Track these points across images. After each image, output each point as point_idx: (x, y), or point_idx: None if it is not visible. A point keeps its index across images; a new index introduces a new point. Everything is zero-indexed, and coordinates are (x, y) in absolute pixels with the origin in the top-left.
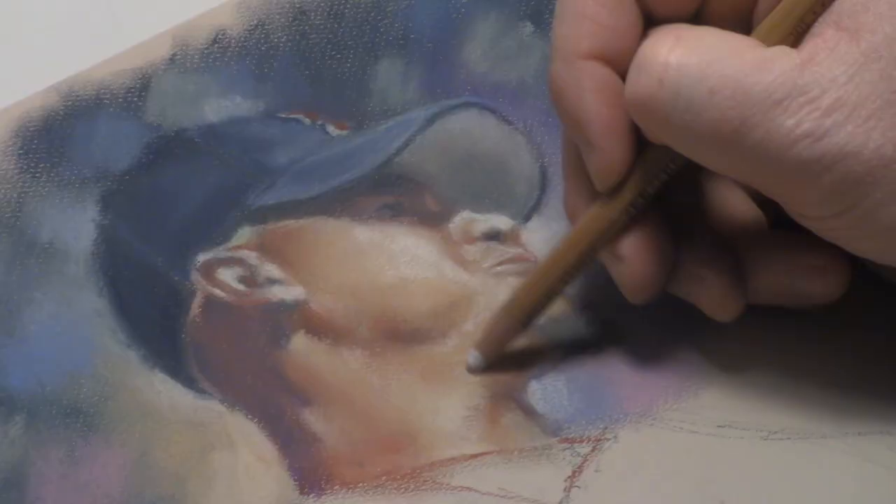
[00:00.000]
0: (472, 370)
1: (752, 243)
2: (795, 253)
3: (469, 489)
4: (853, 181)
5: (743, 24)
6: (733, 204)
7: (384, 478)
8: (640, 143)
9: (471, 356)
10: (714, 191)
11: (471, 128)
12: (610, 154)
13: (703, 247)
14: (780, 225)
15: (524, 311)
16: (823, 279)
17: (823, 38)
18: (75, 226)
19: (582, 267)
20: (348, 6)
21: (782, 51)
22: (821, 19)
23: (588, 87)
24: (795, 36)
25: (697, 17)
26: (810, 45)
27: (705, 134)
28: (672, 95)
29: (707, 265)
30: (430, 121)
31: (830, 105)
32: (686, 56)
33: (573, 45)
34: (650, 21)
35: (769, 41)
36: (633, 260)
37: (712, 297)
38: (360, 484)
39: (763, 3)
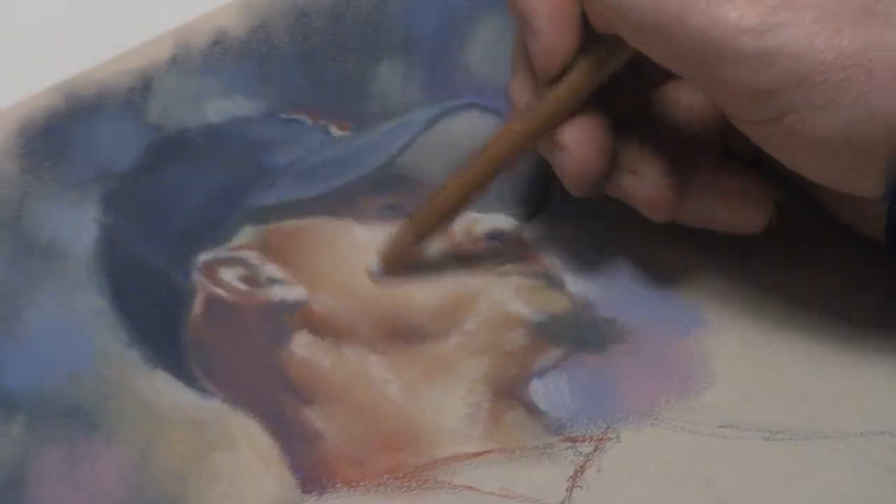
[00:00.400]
0: (372, 276)
1: (689, 159)
2: (725, 177)
3: (471, 488)
4: (791, 83)
5: None
6: (680, 117)
7: (386, 476)
8: (586, 34)
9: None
10: (663, 98)
11: (472, 128)
12: (553, 40)
13: (644, 146)
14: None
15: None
16: (746, 207)
17: None
18: (77, 226)
19: (515, 155)
20: (350, 8)
21: None
22: None
23: None
24: None
25: None
26: None
27: (648, 19)
28: None
29: (644, 162)
30: (432, 121)
31: (777, 4)
32: None
33: None
34: None
35: None
36: (574, 149)
37: (646, 193)
38: (362, 482)
39: None
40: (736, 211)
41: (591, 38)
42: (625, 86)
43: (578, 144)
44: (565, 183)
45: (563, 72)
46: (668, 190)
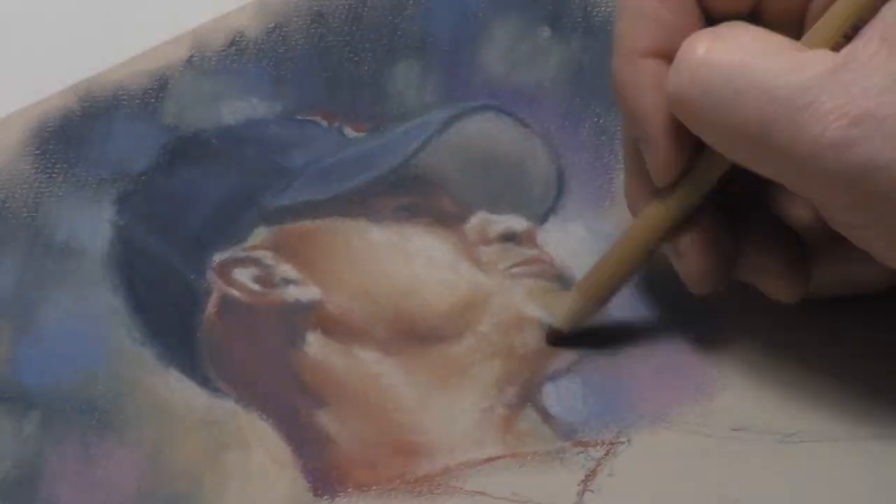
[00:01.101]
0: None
1: (814, 232)
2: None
3: (482, 493)
4: (882, 195)
5: (798, 25)
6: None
7: (398, 481)
8: (700, 141)
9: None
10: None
11: (488, 130)
12: (666, 151)
13: (766, 234)
14: None
15: (592, 294)
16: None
17: (865, 45)
18: (92, 225)
19: (641, 261)
20: (366, 9)
21: (821, 54)
22: (868, 26)
23: (646, 84)
24: (841, 40)
25: (755, 17)
26: (848, 50)
27: (733, 133)
28: (701, 94)
29: (768, 252)
30: (448, 123)
31: (858, 115)
32: (718, 55)
33: (633, 43)
34: (710, 20)
35: (813, 44)
36: (691, 255)
37: (775, 283)
38: (374, 486)
39: (816, 4)
40: (871, 267)
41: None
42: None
43: (695, 250)
44: (687, 286)
45: (678, 180)
46: (796, 275)
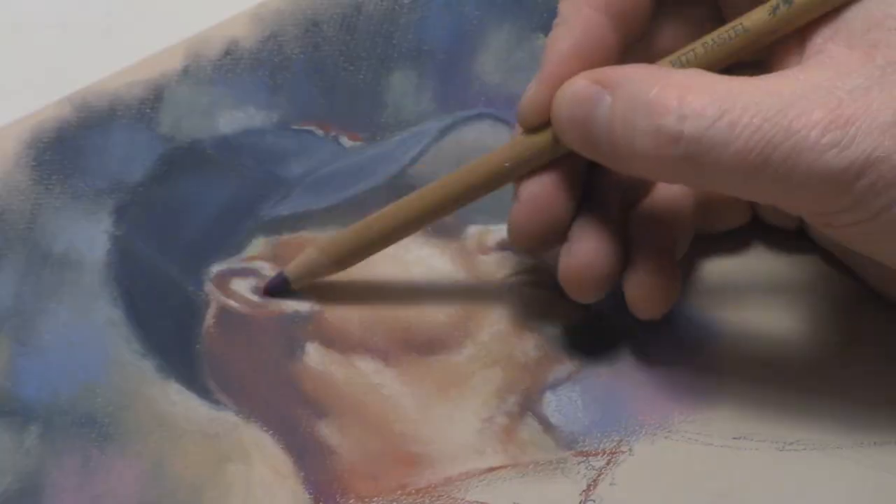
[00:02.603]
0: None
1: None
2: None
3: (483, 503)
4: (884, 186)
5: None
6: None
7: (399, 492)
8: None
9: None
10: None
11: (484, 138)
12: (541, 92)
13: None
14: None
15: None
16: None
17: (836, 56)
18: (89, 236)
19: (477, 191)
20: (361, 18)
21: (785, 74)
22: (828, 39)
23: (569, 33)
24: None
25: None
26: (819, 62)
27: (732, 166)
28: (695, 141)
29: (582, 235)
30: (444, 132)
31: (853, 114)
32: (699, 99)
33: None
34: None
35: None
36: (525, 205)
37: (568, 264)
38: (375, 497)
39: None
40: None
41: None
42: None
43: (531, 200)
44: (508, 233)
45: (540, 128)
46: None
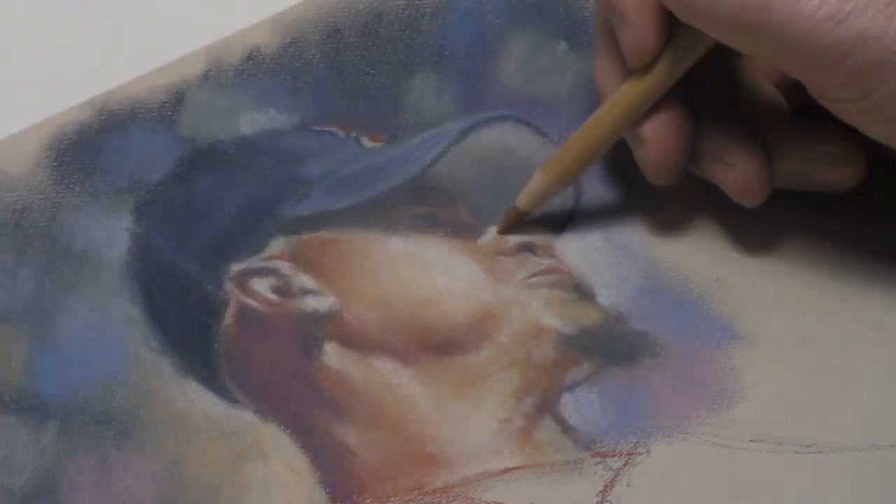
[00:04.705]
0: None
1: (775, 129)
2: (814, 140)
3: None
4: (873, 66)
5: None
6: (759, 89)
7: (416, 492)
8: (673, 23)
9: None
10: (742, 75)
11: (505, 140)
12: (644, 31)
13: (730, 130)
14: (802, 113)
15: (557, 173)
16: (837, 167)
17: None
18: (109, 234)
19: (606, 145)
20: (382, 24)
21: None
22: None
23: None
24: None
25: None
26: None
27: (729, 17)
28: None
29: (734, 149)
30: (465, 133)
31: None
32: None
33: None
34: None
35: None
36: (653, 142)
37: (737, 181)
38: (392, 497)
39: None
40: (826, 173)
41: (677, 27)
42: (707, 70)
43: (658, 137)
44: (645, 173)
45: (652, 62)
46: (759, 175)
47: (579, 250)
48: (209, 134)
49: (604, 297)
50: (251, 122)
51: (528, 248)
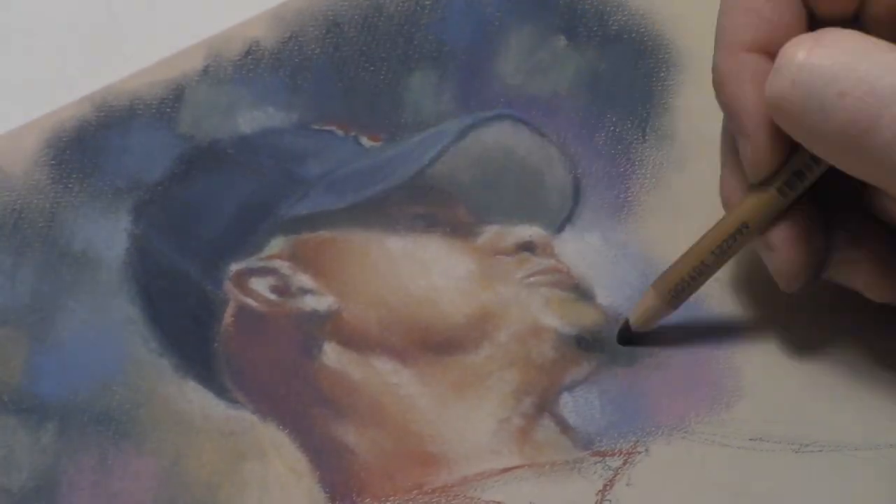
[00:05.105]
0: (621, 340)
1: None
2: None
3: None
4: None
5: None
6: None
7: (415, 491)
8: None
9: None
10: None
11: (504, 139)
12: (762, 145)
13: (858, 231)
14: None
15: (670, 289)
16: (875, 293)
17: None
18: (108, 235)
19: (729, 253)
20: (382, 19)
21: None
22: None
23: (746, 78)
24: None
25: (858, 18)
26: None
27: (834, 135)
28: (803, 97)
29: (861, 248)
30: (464, 132)
31: None
32: (819, 58)
33: (736, 37)
34: (814, 20)
35: None
36: (782, 249)
37: (868, 280)
38: (391, 497)
39: None
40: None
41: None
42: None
43: (787, 245)
44: (777, 281)
45: (773, 175)
46: (890, 271)
47: (578, 249)
48: (208, 132)
49: (603, 296)
50: (250, 120)
51: (528, 248)
